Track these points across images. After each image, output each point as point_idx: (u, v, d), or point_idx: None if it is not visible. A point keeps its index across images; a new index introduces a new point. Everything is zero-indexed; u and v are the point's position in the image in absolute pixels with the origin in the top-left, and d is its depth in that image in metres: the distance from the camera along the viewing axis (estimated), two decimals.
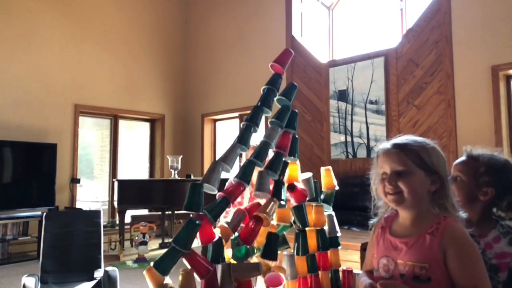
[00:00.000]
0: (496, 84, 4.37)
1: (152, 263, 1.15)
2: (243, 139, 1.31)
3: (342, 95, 5.57)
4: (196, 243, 1.22)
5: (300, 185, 1.53)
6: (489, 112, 4.38)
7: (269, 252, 1.28)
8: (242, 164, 1.33)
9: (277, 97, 1.50)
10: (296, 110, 1.53)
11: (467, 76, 4.56)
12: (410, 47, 5.04)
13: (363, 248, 3.30)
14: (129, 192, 5.75)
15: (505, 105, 4.40)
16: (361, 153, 5.33)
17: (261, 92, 1.50)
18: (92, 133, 7.17)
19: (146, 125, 7.71)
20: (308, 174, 1.60)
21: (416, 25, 5.02)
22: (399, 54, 5.13)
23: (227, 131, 7.50)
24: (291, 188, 1.48)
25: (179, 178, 5.95)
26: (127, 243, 5.95)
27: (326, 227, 1.59)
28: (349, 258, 3.21)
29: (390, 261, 1.27)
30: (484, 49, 4.46)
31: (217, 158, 1.27)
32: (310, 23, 6.39)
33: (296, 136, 1.54)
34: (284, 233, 1.48)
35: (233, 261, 1.28)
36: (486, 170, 1.44)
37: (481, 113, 4.44)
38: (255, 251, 1.37)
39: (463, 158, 1.53)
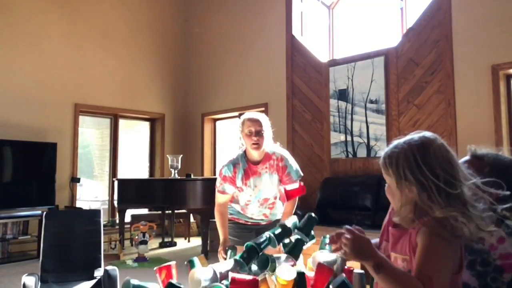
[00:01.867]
0: (496, 84, 4.36)
1: None
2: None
3: (342, 95, 5.57)
4: None
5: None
6: (489, 111, 4.37)
7: None
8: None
9: (296, 231, 1.71)
10: (314, 215, 1.68)
11: (467, 75, 4.56)
12: (410, 47, 5.04)
13: None
14: (129, 191, 5.75)
15: (505, 104, 4.40)
16: (361, 152, 5.32)
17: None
18: (92, 132, 7.17)
19: (146, 125, 7.71)
20: (328, 256, 1.69)
21: (416, 24, 5.01)
22: (399, 54, 5.13)
23: (227, 130, 7.50)
24: None
25: (179, 178, 5.95)
26: (127, 243, 5.96)
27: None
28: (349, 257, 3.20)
29: (388, 246, 1.34)
30: (484, 48, 4.45)
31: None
32: (310, 22, 6.38)
33: (313, 215, 1.64)
34: None
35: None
36: (491, 170, 1.41)
37: (481, 113, 4.44)
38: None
39: (467, 157, 1.52)
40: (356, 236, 1.18)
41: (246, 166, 2.48)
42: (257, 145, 2.39)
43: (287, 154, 2.56)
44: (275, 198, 2.58)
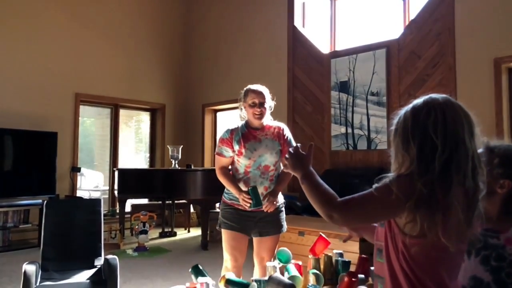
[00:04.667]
0: (498, 77, 4.35)
1: None
2: None
3: (344, 87, 5.55)
4: None
5: None
6: (491, 104, 4.36)
7: None
8: None
9: None
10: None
11: (469, 68, 4.54)
12: (412, 39, 5.01)
13: (362, 240, 3.32)
14: (129, 181, 5.77)
15: (506, 97, 4.39)
16: (362, 144, 5.32)
17: None
18: (92, 122, 7.17)
19: (147, 115, 7.71)
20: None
21: (419, 17, 4.98)
22: (401, 46, 5.10)
23: (227, 121, 7.49)
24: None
25: (179, 168, 5.96)
26: (127, 232, 5.98)
27: None
28: (348, 249, 3.22)
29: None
30: (487, 42, 4.43)
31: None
32: (312, 13, 6.34)
33: None
34: None
35: None
36: (500, 162, 1.39)
37: (482, 106, 4.42)
38: None
39: (480, 150, 1.50)
40: (297, 152, 1.37)
41: (246, 130, 2.61)
42: (260, 115, 2.55)
43: (285, 126, 2.73)
44: (276, 169, 2.62)
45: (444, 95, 1.22)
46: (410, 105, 1.25)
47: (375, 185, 1.19)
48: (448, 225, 1.09)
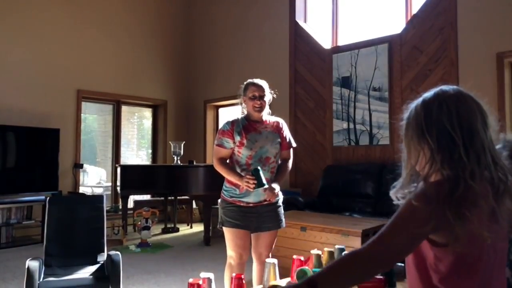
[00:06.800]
0: (501, 72, 4.33)
1: None
2: None
3: (346, 82, 5.54)
4: None
5: None
6: (493, 100, 4.34)
7: None
8: None
9: None
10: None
11: (472, 63, 4.52)
12: (414, 34, 4.99)
13: (364, 234, 3.32)
14: (132, 178, 5.78)
15: (509, 93, 4.37)
16: (364, 140, 5.32)
17: None
18: (94, 119, 7.18)
19: (149, 111, 7.71)
20: None
21: (421, 11, 4.95)
22: (403, 41, 5.08)
23: (229, 117, 7.48)
24: None
25: (181, 164, 5.97)
26: (130, 228, 6.00)
27: None
28: (350, 244, 3.23)
29: None
30: (490, 36, 4.41)
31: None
32: (314, 8, 6.32)
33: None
34: None
35: None
36: (508, 156, 1.36)
37: (485, 101, 4.40)
38: None
39: (498, 146, 1.48)
40: None
41: (246, 123, 2.65)
42: (260, 108, 2.61)
43: (284, 122, 2.77)
44: (276, 161, 2.65)
45: (455, 87, 1.18)
46: (421, 99, 1.18)
47: (409, 196, 1.09)
48: (480, 214, 1.03)
